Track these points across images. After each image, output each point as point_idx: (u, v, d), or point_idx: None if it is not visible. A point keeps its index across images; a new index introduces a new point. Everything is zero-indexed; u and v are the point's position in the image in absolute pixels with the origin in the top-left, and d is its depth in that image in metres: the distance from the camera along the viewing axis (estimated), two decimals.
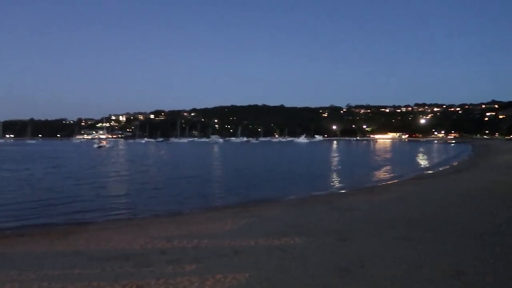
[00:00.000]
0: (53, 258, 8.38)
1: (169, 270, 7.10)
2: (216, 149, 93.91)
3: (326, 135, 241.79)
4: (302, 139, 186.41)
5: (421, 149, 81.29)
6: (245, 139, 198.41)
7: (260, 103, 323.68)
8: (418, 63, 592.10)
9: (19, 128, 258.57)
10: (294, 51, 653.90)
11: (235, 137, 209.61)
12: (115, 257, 8.21)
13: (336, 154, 65.35)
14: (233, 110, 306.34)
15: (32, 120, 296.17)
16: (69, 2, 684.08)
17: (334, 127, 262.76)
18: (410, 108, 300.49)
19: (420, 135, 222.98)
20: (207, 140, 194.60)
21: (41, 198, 19.02)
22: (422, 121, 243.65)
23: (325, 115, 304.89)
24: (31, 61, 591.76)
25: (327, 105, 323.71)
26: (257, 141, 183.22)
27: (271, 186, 23.71)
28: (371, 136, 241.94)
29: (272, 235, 9.68)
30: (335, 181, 26.44)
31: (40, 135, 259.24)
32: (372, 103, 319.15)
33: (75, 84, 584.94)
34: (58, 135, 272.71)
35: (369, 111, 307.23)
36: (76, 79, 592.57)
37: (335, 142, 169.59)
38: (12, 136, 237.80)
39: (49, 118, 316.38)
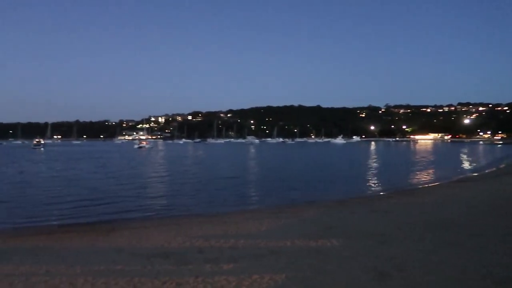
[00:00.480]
0: (97, 254, 8.74)
1: (207, 269, 7.21)
2: (252, 149, 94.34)
3: (363, 136, 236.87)
4: (339, 140, 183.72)
5: (465, 151, 77.79)
6: (281, 140, 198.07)
7: (296, 104, 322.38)
8: (461, 61, 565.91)
9: (65, 129, 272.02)
10: (331, 51, 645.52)
11: (271, 137, 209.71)
12: (155, 254, 8.45)
13: (374, 155, 63.85)
14: (269, 110, 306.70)
15: (77, 121, 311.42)
16: (109, 3, 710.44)
17: (372, 127, 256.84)
18: (453, 108, 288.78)
19: (464, 136, 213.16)
20: (243, 140, 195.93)
21: (86, 197, 19.92)
22: (466, 121, 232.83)
23: (363, 115, 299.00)
24: (77, 65, 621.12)
25: (365, 105, 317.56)
26: (293, 142, 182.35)
27: (307, 187, 23.52)
28: (411, 136, 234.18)
29: (309, 237, 9.61)
30: (374, 183, 25.83)
31: (84, 136, 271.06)
32: (412, 102, 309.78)
33: (118, 87, 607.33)
34: (101, 136, 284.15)
35: (409, 111, 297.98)
36: (118, 82, 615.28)
37: (373, 143, 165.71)
38: (59, 137, 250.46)
39: (93, 120, 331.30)
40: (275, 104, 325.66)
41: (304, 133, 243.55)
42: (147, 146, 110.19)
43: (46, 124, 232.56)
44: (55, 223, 14.00)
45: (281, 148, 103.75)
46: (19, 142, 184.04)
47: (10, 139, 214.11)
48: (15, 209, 16.57)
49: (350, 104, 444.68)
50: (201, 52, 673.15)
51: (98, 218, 14.77)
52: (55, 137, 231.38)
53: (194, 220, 13.52)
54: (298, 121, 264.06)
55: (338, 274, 6.71)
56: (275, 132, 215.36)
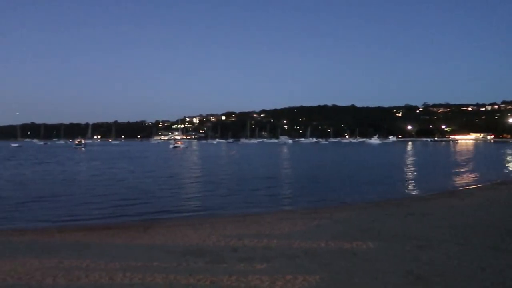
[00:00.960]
0: (134, 250, 9.01)
1: (241, 268, 7.27)
2: (285, 150, 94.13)
3: (400, 136, 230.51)
4: (374, 140, 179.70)
5: (509, 152, 73.95)
6: (314, 140, 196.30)
7: (329, 103, 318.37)
8: (504, 58, 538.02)
9: (104, 129, 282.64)
10: (366, 49, 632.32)
11: (304, 138, 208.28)
12: (189, 252, 8.60)
13: (412, 156, 62.00)
14: (302, 110, 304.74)
15: (116, 122, 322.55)
16: (144, 3, 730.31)
17: (409, 127, 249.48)
18: (496, 107, 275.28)
19: (509, 136, 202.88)
20: (276, 141, 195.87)
21: (124, 195, 20.59)
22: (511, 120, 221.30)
23: (399, 114, 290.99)
24: (115, 68, 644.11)
25: (402, 104, 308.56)
26: (327, 142, 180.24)
27: (341, 188, 23.16)
28: (451, 136, 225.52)
29: (343, 238, 9.47)
30: (412, 185, 25.09)
31: (122, 136, 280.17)
32: (452, 101, 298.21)
33: (154, 89, 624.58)
34: (138, 136, 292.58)
35: (448, 110, 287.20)
36: (155, 83, 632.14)
37: (410, 143, 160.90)
38: (99, 137, 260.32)
39: (131, 121, 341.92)
40: (308, 104, 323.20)
41: (338, 133, 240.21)
42: (182, 146, 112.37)
43: (87, 125, 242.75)
44: (95, 220, 14.57)
45: (314, 148, 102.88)
46: (62, 142, 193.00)
47: (54, 139, 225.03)
48: (59, 206, 17.38)
49: (386, 103, 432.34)
50: (235, 53, 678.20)
51: (136, 216, 15.25)
52: (95, 137, 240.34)
53: (227, 220, 13.65)
54: (332, 121, 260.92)
55: (373, 277, 6.57)
56: (308, 132, 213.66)
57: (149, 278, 6.75)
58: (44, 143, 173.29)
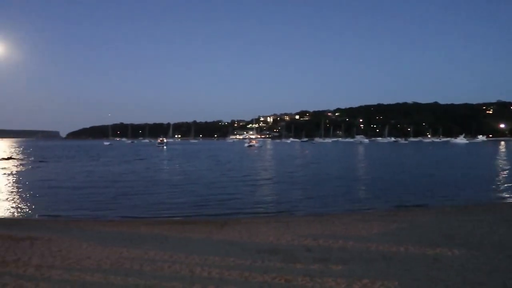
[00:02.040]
0: (212, 245, 9.37)
1: (316, 268, 7.19)
2: (361, 149, 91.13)
3: (491, 135, 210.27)
4: (460, 140, 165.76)
5: None
6: (392, 139, 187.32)
7: (409, 101, 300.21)
8: None
9: (184, 129, 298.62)
10: (449, 41, 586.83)
11: (382, 137, 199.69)
12: (264, 250, 8.72)
13: (505, 157, 56.17)
14: (380, 108, 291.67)
15: (195, 122, 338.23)
16: (220, 10, 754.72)
17: (502, 125, 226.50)
18: None
19: None
20: (351, 140, 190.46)
21: (202, 192, 21.57)
22: None
23: (490, 112, 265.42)
24: (193, 72, 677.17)
25: (493, 100, 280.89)
26: (406, 142, 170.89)
27: (423, 190, 21.80)
28: None
29: (425, 244, 8.92)
30: (506, 189, 22.77)
31: (200, 136, 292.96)
32: None
33: (230, 89, 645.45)
34: (215, 136, 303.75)
35: None
36: (231, 84, 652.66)
37: (502, 143, 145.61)
38: (179, 136, 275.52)
39: (208, 120, 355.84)
40: (386, 101, 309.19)
41: (419, 132, 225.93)
42: (256, 145, 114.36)
43: (168, 125, 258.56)
44: (176, 214, 15.45)
45: (393, 148, 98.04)
46: (146, 140, 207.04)
47: (139, 138, 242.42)
48: (144, 201, 18.74)
49: (473, 99, 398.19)
50: (309, 52, 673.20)
51: (212, 212, 15.91)
52: (176, 136, 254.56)
53: (302, 219, 13.61)
54: (412, 119, 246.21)
55: (459, 287, 6.09)
56: (386, 131, 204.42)
57: (226, 273, 6.98)
58: (131, 142, 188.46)
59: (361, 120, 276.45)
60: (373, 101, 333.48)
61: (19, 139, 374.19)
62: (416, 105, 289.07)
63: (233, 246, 9.21)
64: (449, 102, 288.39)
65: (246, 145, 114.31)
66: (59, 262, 7.82)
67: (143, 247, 9.12)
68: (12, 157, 58.63)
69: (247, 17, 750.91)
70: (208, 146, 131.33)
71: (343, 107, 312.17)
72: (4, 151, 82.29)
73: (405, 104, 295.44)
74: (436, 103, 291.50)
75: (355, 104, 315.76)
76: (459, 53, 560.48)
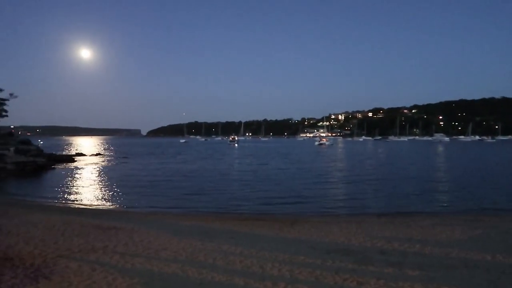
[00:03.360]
0: (282, 243, 9.41)
1: (390, 272, 6.90)
2: (440, 148, 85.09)
3: None
4: None
5: None
6: (477, 137, 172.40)
7: (497, 95, 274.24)
8: None
9: (255, 127, 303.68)
10: None
11: (465, 135, 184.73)
12: (335, 250, 8.56)
13: None
14: (462, 104, 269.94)
15: (265, 120, 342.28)
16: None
17: None
18: None
19: None
20: (429, 138, 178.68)
21: (273, 189, 21.75)
22: None
23: None
24: (263, 71, 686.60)
25: None
26: (493, 140, 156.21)
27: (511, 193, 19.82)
28: None
29: None
30: None
31: (271, 134, 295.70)
32: None
33: (300, 87, 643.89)
34: (285, 134, 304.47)
35: None
36: (301, 82, 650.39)
37: None
38: (250, 134, 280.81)
39: (278, 119, 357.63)
40: (469, 97, 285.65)
41: (509, 130, 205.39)
42: (327, 143, 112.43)
43: (240, 123, 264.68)
44: (247, 211, 15.78)
45: (477, 147, 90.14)
46: (219, 138, 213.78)
47: (212, 136, 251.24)
48: (217, 197, 19.40)
49: None
50: (381, 46, 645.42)
51: (279, 209, 15.98)
52: (246, 134, 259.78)
53: (375, 220, 13.13)
54: (500, 116, 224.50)
55: None
56: (469, 129, 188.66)
57: (297, 271, 6.97)
58: (205, 139, 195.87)
59: (440, 117, 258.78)
60: (455, 97, 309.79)
61: (106, 136, 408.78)
62: (505, 100, 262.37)
63: (303, 245, 9.16)
64: None
65: (317, 143, 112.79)
66: (140, 251, 8.40)
67: (216, 241, 9.45)
68: (100, 153, 64.44)
69: (329, 17, 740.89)
70: (278, 144, 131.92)
71: (420, 103, 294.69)
72: (93, 148, 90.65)
73: (492, 99, 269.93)
74: None
75: (434, 100, 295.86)
76: None
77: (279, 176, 28.71)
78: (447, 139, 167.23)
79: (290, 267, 7.24)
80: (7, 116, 46.19)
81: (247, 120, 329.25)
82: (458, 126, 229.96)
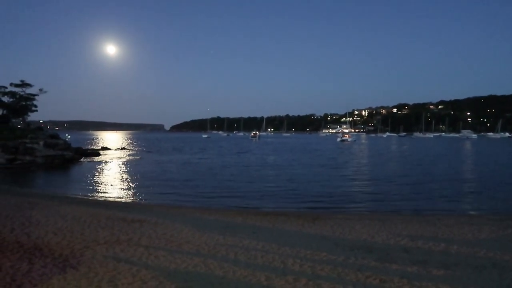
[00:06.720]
0: (304, 239, 9.38)
1: (414, 271, 6.78)
2: (468, 145, 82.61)
3: None
4: None
5: None
6: (507, 134, 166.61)
7: None
8: None
9: (277, 123, 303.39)
10: None
11: (494, 132, 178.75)
12: (358, 247, 8.48)
13: None
14: (492, 100, 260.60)
15: (287, 116, 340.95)
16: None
17: None
18: None
19: None
20: (456, 135, 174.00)
21: (295, 184, 21.70)
22: None
23: None
24: (285, 66, 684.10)
25: None
26: None
27: None
28: None
29: None
30: None
31: (293, 129, 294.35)
32: None
33: (323, 82, 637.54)
34: (307, 129, 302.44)
35: None
36: (324, 77, 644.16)
37: None
38: (272, 129, 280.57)
39: (301, 114, 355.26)
40: (500, 92, 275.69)
41: None
42: (349, 139, 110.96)
43: (262, 118, 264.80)
44: (269, 206, 15.81)
45: (507, 145, 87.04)
46: (241, 133, 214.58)
47: (235, 131, 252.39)
48: (244, 190, 19.49)
49: None
50: (407, 40, 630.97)
51: (305, 205, 15.92)
52: (268, 129, 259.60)
53: (398, 218, 12.91)
54: None
55: None
56: (499, 126, 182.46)
57: (318, 267, 6.94)
58: (227, 135, 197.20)
59: (468, 114, 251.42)
60: (484, 92, 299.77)
61: (130, 131, 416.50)
62: None
63: (325, 241, 9.11)
64: None
65: (339, 139, 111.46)
66: (163, 244, 8.55)
67: (238, 235, 9.51)
68: (125, 147, 65.78)
69: (353, 10, 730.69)
70: (300, 140, 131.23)
71: (447, 99, 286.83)
72: (119, 142, 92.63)
73: None
74: None
75: (461, 95, 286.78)
76: None
77: (301, 172, 28.56)
78: (474, 136, 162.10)
79: (312, 263, 7.22)
80: (36, 111, 47.82)
81: (269, 115, 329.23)
82: (486, 122, 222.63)
